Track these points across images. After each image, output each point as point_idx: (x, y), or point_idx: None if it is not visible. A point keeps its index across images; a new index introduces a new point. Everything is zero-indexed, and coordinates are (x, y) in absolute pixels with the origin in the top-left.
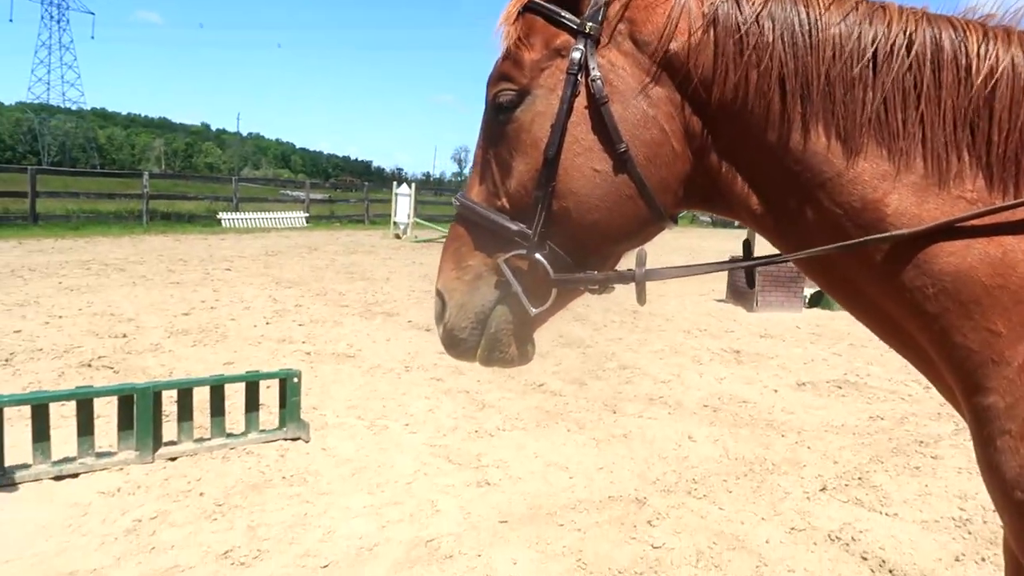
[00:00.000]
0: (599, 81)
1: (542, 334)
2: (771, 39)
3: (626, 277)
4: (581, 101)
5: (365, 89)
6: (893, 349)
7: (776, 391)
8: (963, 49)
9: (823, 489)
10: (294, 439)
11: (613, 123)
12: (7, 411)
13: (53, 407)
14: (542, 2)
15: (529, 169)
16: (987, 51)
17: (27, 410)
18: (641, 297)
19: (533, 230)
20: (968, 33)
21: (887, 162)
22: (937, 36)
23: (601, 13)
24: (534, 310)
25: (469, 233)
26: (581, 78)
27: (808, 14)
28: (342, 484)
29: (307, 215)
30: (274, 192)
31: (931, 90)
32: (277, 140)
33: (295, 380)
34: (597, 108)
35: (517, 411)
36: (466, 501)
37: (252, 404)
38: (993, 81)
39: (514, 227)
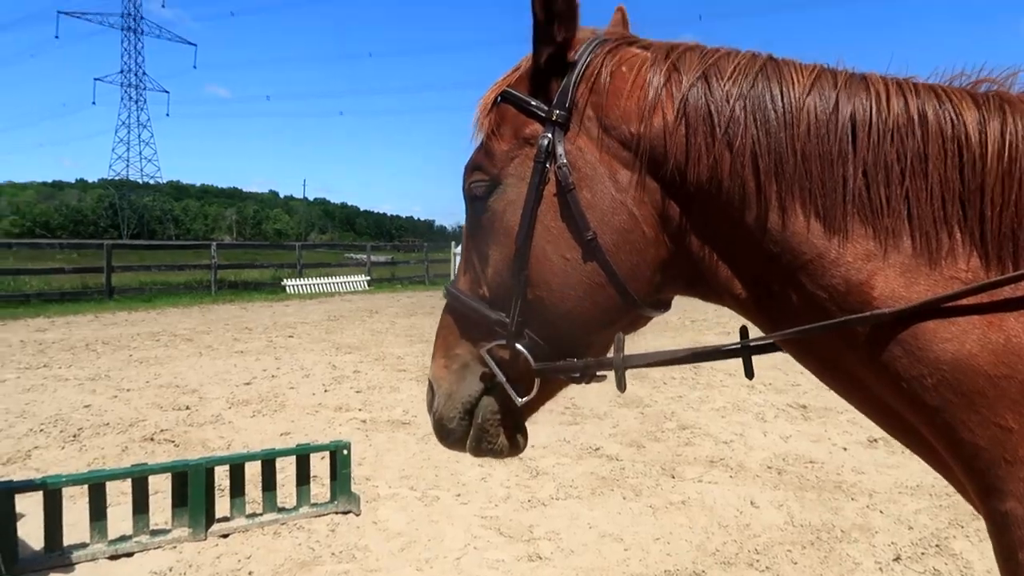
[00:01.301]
0: (566, 168)
1: (600, 394)
2: (743, 118)
3: (605, 364)
4: (550, 188)
5: (426, 150)
6: (900, 442)
7: (845, 449)
8: (948, 119)
9: (897, 558)
10: (345, 512)
11: (580, 210)
12: (67, 489)
13: (110, 484)
14: (515, 91)
15: (503, 258)
16: (975, 121)
17: (85, 488)
18: (620, 384)
19: (511, 319)
20: (954, 102)
21: (872, 241)
22: (920, 107)
23: (569, 100)
24: (520, 400)
25: (456, 322)
26: (549, 165)
27: (781, 90)
28: (391, 560)
29: (369, 278)
30: (337, 256)
31: (916, 164)
32: (342, 204)
33: (345, 452)
34: (564, 195)
35: (571, 478)
36: None
37: (303, 477)
38: (983, 152)
39: (493, 316)
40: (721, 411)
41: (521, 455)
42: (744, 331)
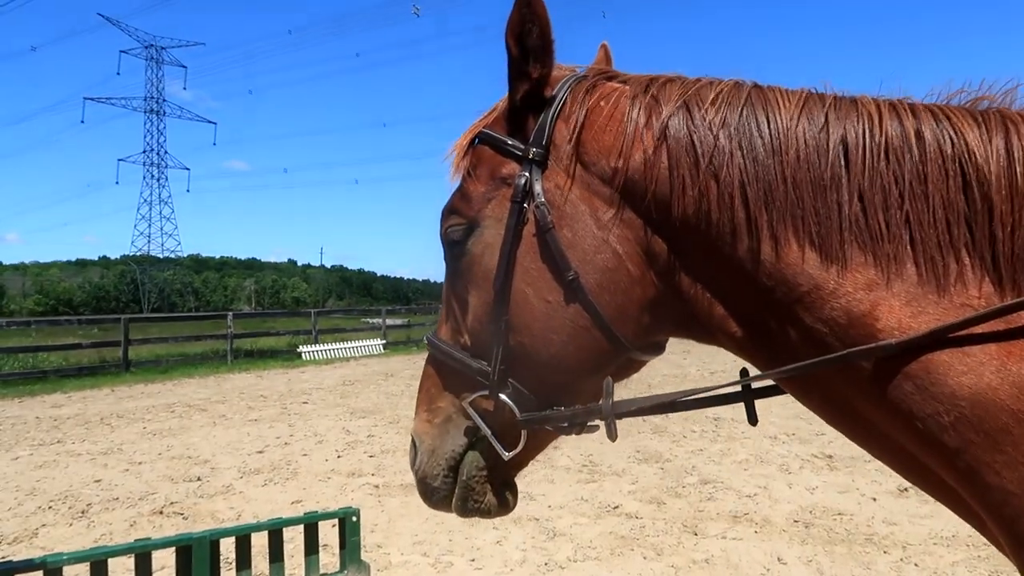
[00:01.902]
0: (544, 207)
1: (616, 449)
2: (728, 147)
3: (593, 412)
4: (529, 228)
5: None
6: (919, 488)
7: (875, 499)
8: (947, 138)
9: None
10: None
11: (560, 249)
12: (69, 569)
13: (115, 561)
14: (491, 132)
15: (482, 303)
16: (977, 139)
17: (87, 567)
18: (611, 433)
19: (492, 368)
20: (953, 121)
21: (873, 269)
22: (916, 126)
23: (546, 136)
24: (507, 454)
25: (438, 373)
26: (527, 205)
27: (768, 116)
28: None
29: (384, 341)
30: (353, 321)
31: (915, 186)
32: (359, 270)
33: (354, 519)
34: (543, 235)
35: (590, 539)
36: None
37: (311, 547)
38: (988, 171)
39: (475, 365)
40: (744, 464)
41: (537, 517)
42: (744, 373)
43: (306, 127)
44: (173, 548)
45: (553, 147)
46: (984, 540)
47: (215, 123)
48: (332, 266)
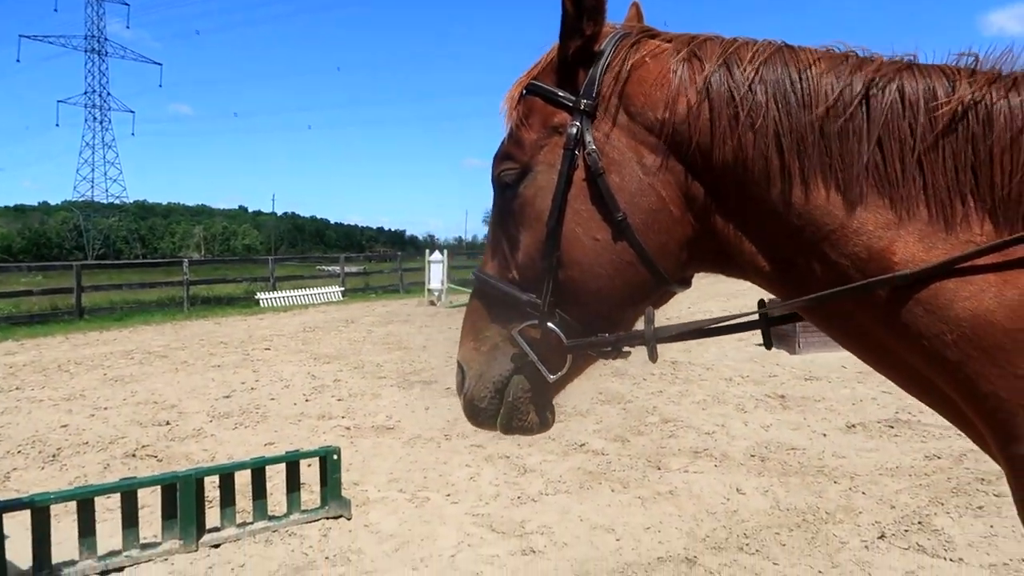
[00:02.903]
0: (595, 154)
1: (581, 392)
2: (764, 100)
3: (635, 337)
4: (579, 174)
5: (393, 160)
6: (920, 400)
7: (825, 435)
8: (956, 95)
9: (882, 536)
10: (336, 517)
11: (610, 193)
12: (53, 507)
13: (98, 500)
14: (540, 83)
15: (534, 241)
16: (980, 95)
17: (73, 505)
18: (652, 355)
19: (542, 300)
20: (959, 79)
21: (890, 211)
22: (930, 84)
23: (596, 89)
24: (552, 377)
25: (485, 305)
26: (578, 152)
27: (800, 74)
28: (385, 561)
29: (343, 289)
30: (310, 269)
31: (927, 136)
32: (312, 217)
33: (335, 457)
34: (594, 179)
35: (559, 474)
36: (511, 571)
37: (293, 484)
38: (990, 123)
39: (524, 297)
40: (702, 404)
41: (507, 454)
42: (762, 303)
43: (256, 70)
44: (157, 488)
45: (602, 99)
46: (926, 470)
47: (160, 64)
48: (284, 213)
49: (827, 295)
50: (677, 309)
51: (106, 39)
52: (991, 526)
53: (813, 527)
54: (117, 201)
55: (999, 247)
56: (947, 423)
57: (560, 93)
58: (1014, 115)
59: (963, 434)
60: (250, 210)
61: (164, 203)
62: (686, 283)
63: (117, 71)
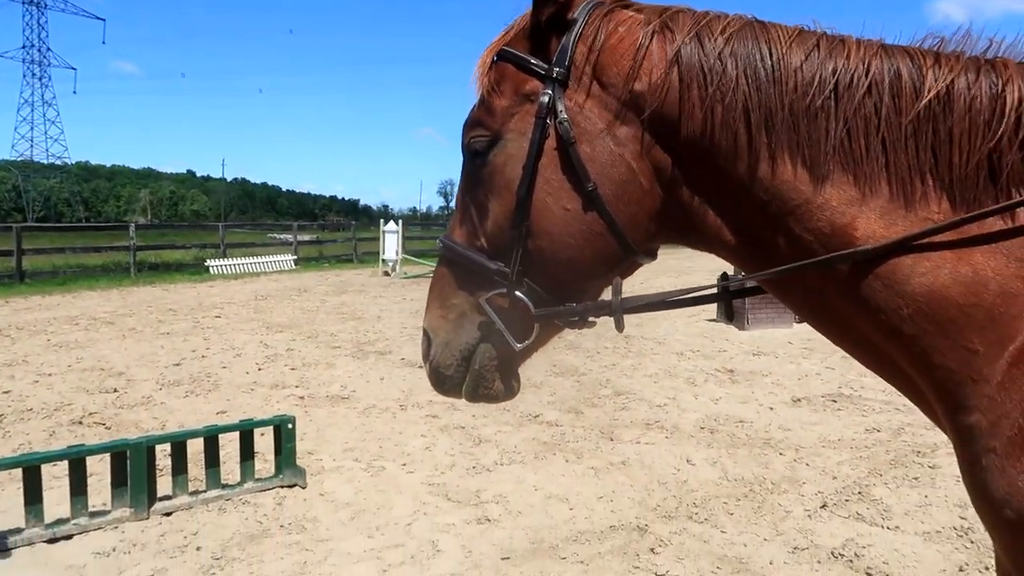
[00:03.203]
0: (567, 123)
1: (535, 364)
2: (734, 75)
3: (603, 308)
4: (550, 143)
5: (347, 128)
6: (875, 372)
7: (772, 409)
8: (920, 76)
9: (824, 506)
10: (291, 486)
11: (581, 163)
12: None
13: (45, 468)
14: (513, 50)
15: (504, 210)
16: (942, 76)
17: (18, 473)
18: (619, 325)
19: (511, 268)
20: (924, 61)
21: (854, 188)
22: (895, 65)
23: (568, 57)
24: (518, 346)
25: (452, 273)
26: (550, 121)
27: (770, 49)
28: (341, 529)
29: (295, 257)
30: (262, 236)
31: (891, 116)
32: (263, 184)
33: (289, 426)
34: (565, 149)
35: (514, 444)
36: (467, 539)
37: (247, 453)
38: (949, 105)
39: (493, 266)
40: (653, 377)
41: (462, 425)
42: (725, 276)
43: (205, 30)
44: (106, 455)
45: (574, 67)
46: (866, 443)
47: (103, 19)
48: (234, 179)
49: (790, 268)
50: (629, 284)
51: None
52: (925, 496)
53: (759, 497)
54: (58, 162)
55: (954, 225)
56: (887, 398)
57: (532, 60)
58: (973, 97)
59: (905, 410)
60: (199, 175)
61: (108, 165)
62: (652, 254)
63: (57, 25)
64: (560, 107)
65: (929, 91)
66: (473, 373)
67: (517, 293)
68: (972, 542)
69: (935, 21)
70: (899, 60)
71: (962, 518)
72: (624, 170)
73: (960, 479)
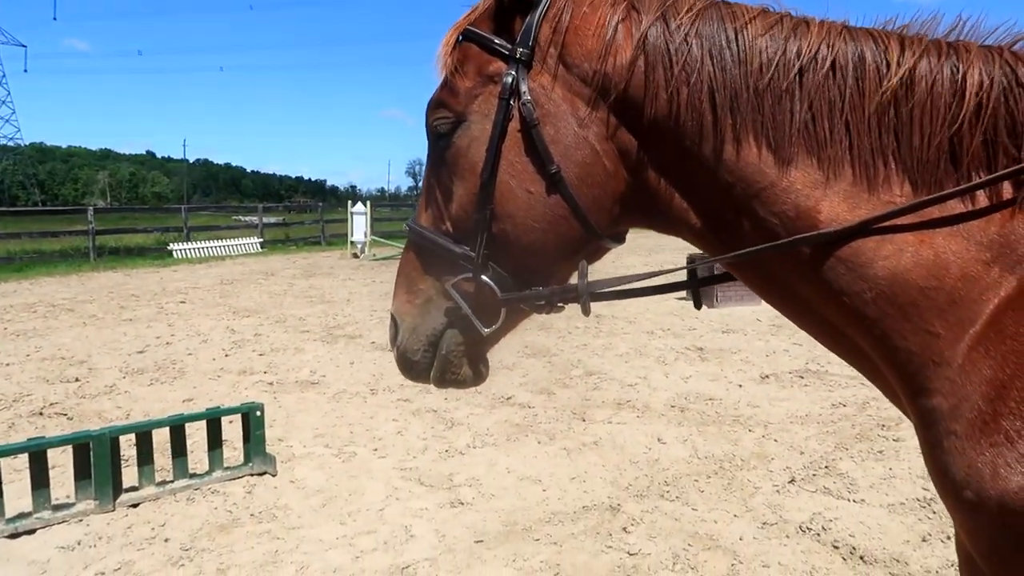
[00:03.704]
0: (530, 104)
1: (507, 346)
2: (699, 55)
3: (569, 291)
4: (514, 125)
5: (312, 108)
6: (838, 356)
7: (741, 386)
8: (883, 59)
9: (792, 481)
10: (260, 474)
11: (544, 145)
12: None
13: (4, 461)
14: (477, 30)
15: (467, 193)
16: (904, 60)
17: None
18: (585, 309)
19: (476, 252)
20: (888, 44)
21: (818, 171)
22: (859, 48)
23: (533, 37)
24: (485, 330)
25: (418, 257)
26: (513, 102)
27: (736, 30)
28: (313, 516)
29: (262, 240)
30: (226, 219)
31: (855, 99)
32: (226, 165)
33: (258, 413)
34: (528, 131)
35: (486, 426)
36: (440, 523)
37: (215, 441)
38: (911, 88)
39: (458, 250)
40: (624, 356)
41: (434, 408)
42: (692, 259)
43: (161, 5)
44: (69, 446)
45: (538, 48)
46: (832, 418)
47: None
48: (196, 160)
49: (754, 251)
50: (600, 263)
51: None
52: (890, 468)
53: (729, 474)
54: (11, 143)
55: (916, 207)
56: (852, 373)
57: (496, 40)
58: (935, 80)
59: (870, 384)
60: (159, 156)
61: (64, 146)
62: (619, 238)
63: (5, 1)
64: (524, 88)
65: (892, 74)
66: (440, 358)
67: (483, 278)
68: (935, 512)
69: (899, 1)
70: (863, 42)
71: (925, 489)
72: (588, 152)
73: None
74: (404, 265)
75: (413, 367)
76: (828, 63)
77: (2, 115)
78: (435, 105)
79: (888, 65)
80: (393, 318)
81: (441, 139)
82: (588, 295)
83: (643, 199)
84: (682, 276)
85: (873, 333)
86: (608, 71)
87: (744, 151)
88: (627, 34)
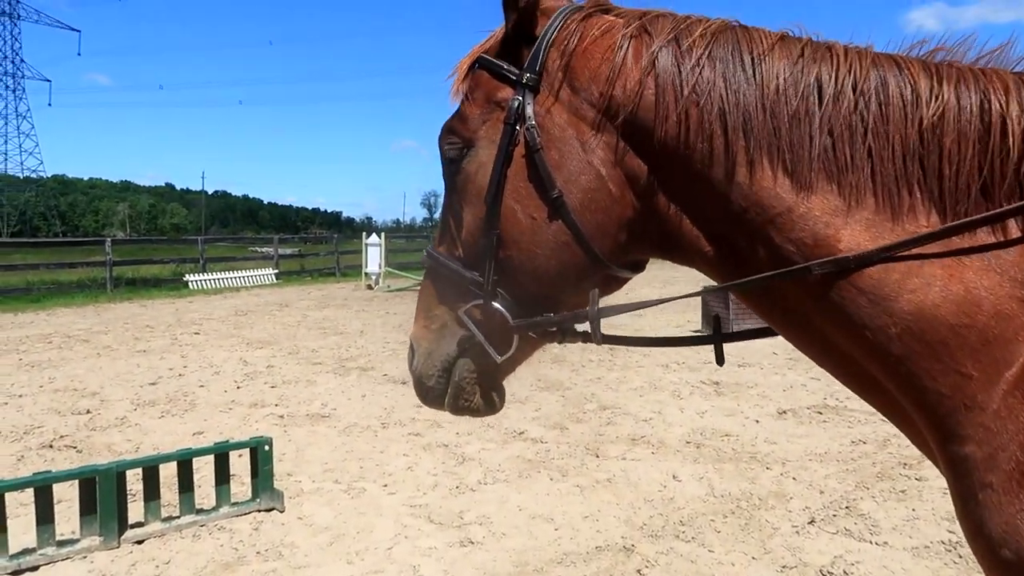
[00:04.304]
0: (534, 129)
1: (520, 378)
2: (711, 77)
3: (580, 317)
4: (519, 150)
5: (329, 140)
6: (857, 394)
7: (758, 421)
8: (908, 85)
9: (811, 521)
10: (268, 510)
11: (547, 170)
12: None
13: (9, 496)
14: (489, 57)
15: (475, 218)
16: (931, 87)
17: None
18: (596, 336)
19: (485, 278)
20: (913, 70)
21: (838, 197)
22: (882, 74)
23: (540, 63)
24: (499, 358)
25: (435, 284)
26: (519, 127)
27: (752, 52)
28: (320, 555)
29: (277, 271)
30: (243, 250)
31: (878, 125)
32: (244, 196)
33: (267, 448)
34: (532, 155)
35: (498, 462)
36: (449, 563)
37: (222, 476)
38: (939, 115)
39: (468, 275)
40: (639, 391)
41: (445, 443)
42: (717, 319)
43: (181, 41)
44: (75, 481)
45: (546, 73)
46: (852, 455)
47: (79, 31)
48: (214, 192)
49: (767, 277)
50: (614, 296)
51: (18, 1)
52: (913, 509)
53: (746, 513)
54: (33, 175)
55: (944, 233)
56: (871, 409)
57: (505, 66)
58: (963, 107)
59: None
60: (178, 188)
61: (85, 178)
62: (636, 267)
63: (31, 37)
64: (529, 112)
65: (921, 101)
66: (454, 385)
67: (494, 304)
68: (961, 556)
69: (909, 31)
70: (886, 68)
71: (950, 532)
72: (592, 177)
73: (946, 492)
74: (423, 292)
75: (428, 393)
76: (850, 88)
77: (26, 148)
78: (446, 131)
79: (914, 92)
80: (411, 343)
81: (452, 164)
82: (598, 320)
83: (652, 226)
84: (696, 312)
85: (898, 372)
86: (616, 94)
87: (758, 175)
88: (636, 56)
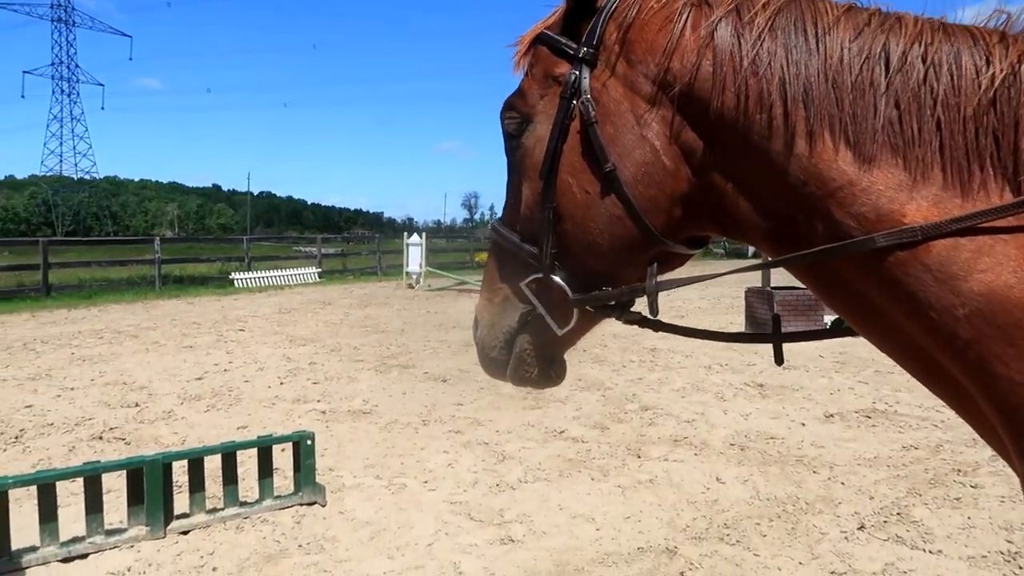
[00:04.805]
0: (588, 103)
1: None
2: (772, 48)
3: (637, 291)
4: (575, 124)
5: (372, 141)
6: (919, 381)
7: (804, 424)
8: (984, 56)
9: (861, 527)
10: (310, 504)
11: (600, 144)
12: (13, 492)
13: (61, 484)
14: (548, 33)
15: (533, 192)
16: (1008, 57)
17: (34, 489)
18: (653, 308)
19: (544, 252)
20: (988, 40)
21: (903, 171)
22: (955, 44)
23: (597, 37)
24: (560, 331)
25: (498, 257)
26: (575, 101)
27: (815, 23)
28: (360, 549)
29: (320, 270)
30: (286, 249)
31: (948, 97)
32: (288, 197)
33: (309, 442)
34: (587, 129)
35: (539, 461)
36: (490, 561)
37: (265, 470)
38: (1016, 87)
39: (528, 249)
40: (681, 392)
41: (486, 441)
42: (776, 319)
43: (229, 46)
44: (123, 472)
45: (603, 47)
46: (903, 461)
47: (130, 36)
48: (260, 192)
49: (823, 251)
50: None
51: (73, 8)
52: (968, 518)
53: (793, 517)
54: (87, 176)
55: (1008, 209)
56: (923, 414)
57: (563, 41)
58: None
59: (944, 426)
60: (224, 189)
61: (136, 180)
62: (695, 244)
63: (85, 42)
64: (585, 86)
65: (992, 72)
66: (515, 356)
67: (554, 278)
68: (1021, 567)
69: (989, 2)
70: (959, 39)
71: (1009, 541)
72: (647, 151)
73: (1003, 499)
74: (488, 265)
75: (491, 363)
76: (919, 59)
77: (80, 150)
78: (506, 107)
79: (989, 62)
80: (475, 315)
81: (511, 140)
82: (656, 292)
83: (709, 200)
84: (739, 313)
85: (966, 357)
86: (673, 66)
87: (819, 147)
88: (695, 28)
